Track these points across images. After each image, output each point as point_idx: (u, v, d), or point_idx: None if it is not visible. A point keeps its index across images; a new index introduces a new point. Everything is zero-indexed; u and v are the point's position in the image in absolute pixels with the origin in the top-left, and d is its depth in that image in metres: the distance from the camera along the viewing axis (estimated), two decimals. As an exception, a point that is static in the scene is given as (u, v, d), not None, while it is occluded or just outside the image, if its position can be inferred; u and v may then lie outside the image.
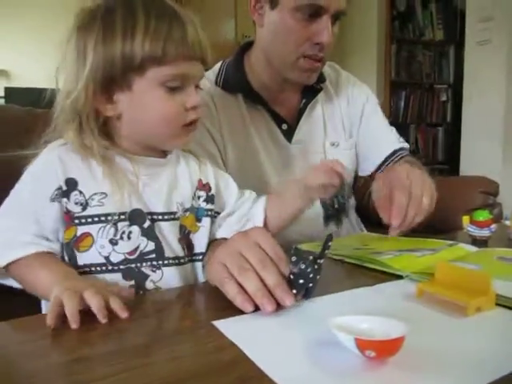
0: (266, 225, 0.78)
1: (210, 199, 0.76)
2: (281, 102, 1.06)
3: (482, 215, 0.86)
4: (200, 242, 0.74)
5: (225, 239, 0.73)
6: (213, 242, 0.76)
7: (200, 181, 0.76)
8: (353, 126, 1.13)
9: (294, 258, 0.54)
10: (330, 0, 0.88)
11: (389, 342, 0.39)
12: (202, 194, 0.75)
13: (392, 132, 1.15)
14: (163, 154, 0.73)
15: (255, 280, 0.52)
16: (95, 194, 0.65)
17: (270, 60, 1.00)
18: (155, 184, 0.70)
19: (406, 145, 1.14)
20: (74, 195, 0.64)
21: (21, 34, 3.50)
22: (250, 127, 1.03)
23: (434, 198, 0.80)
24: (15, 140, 1.00)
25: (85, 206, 0.64)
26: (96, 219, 0.64)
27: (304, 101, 1.07)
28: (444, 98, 4.17)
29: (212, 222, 0.76)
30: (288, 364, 0.41)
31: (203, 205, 0.75)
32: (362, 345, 0.39)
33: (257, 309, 0.52)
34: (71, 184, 0.64)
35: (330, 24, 0.91)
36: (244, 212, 0.79)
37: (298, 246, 0.82)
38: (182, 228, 0.72)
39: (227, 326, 0.48)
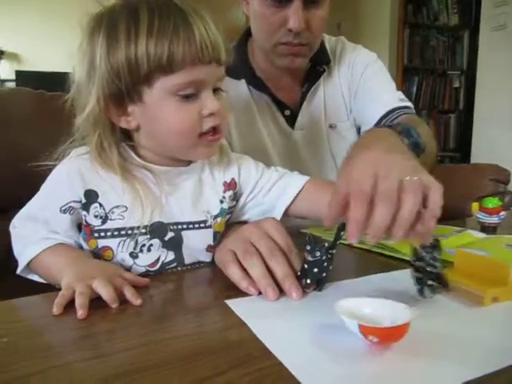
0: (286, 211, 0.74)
1: (235, 196, 0.73)
2: (283, 88, 1.04)
3: (492, 202, 0.86)
4: None
5: (239, 223, 0.72)
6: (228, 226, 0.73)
7: (225, 183, 0.72)
8: (351, 96, 1.07)
9: (308, 247, 0.52)
10: None
11: (392, 329, 0.39)
12: (230, 193, 0.72)
13: (395, 93, 1.04)
14: (188, 162, 0.69)
15: (260, 265, 0.53)
16: (116, 206, 0.62)
17: (261, 47, 0.99)
18: (178, 193, 0.67)
19: (409, 103, 1.03)
20: (94, 208, 0.62)
21: (32, 18, 3.50)
22: (255, 113, 1.02)
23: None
24: (25, 123, 1.02)
25: (104, 219, 0.62)
26: (116, 233, 0.62)
27: (306, 85, 1.05)
28: (457, 85, 4.10)
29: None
30: (294, 345, 0.42)
31: (232, 204, 0.72)
32: (365, 330, 0.39)
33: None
34: (91, 196, 0.62)
35: (300, 9, 0.88)
36: (266, 207, 0.75)
37: (304, 231, 0.83)
38: (216, 235, 0.69)
39: (239, 306, 0.49)
